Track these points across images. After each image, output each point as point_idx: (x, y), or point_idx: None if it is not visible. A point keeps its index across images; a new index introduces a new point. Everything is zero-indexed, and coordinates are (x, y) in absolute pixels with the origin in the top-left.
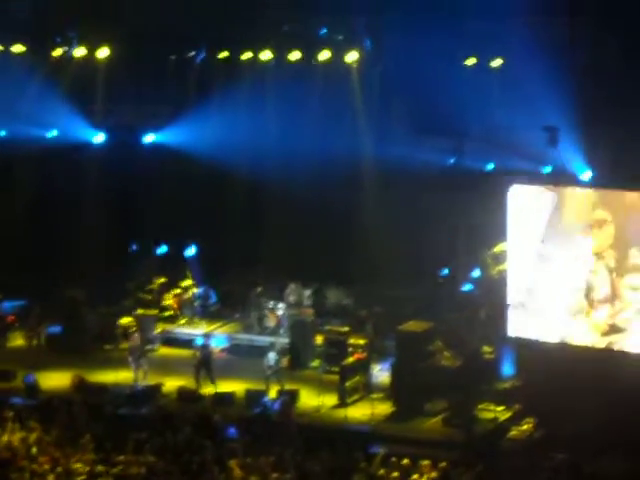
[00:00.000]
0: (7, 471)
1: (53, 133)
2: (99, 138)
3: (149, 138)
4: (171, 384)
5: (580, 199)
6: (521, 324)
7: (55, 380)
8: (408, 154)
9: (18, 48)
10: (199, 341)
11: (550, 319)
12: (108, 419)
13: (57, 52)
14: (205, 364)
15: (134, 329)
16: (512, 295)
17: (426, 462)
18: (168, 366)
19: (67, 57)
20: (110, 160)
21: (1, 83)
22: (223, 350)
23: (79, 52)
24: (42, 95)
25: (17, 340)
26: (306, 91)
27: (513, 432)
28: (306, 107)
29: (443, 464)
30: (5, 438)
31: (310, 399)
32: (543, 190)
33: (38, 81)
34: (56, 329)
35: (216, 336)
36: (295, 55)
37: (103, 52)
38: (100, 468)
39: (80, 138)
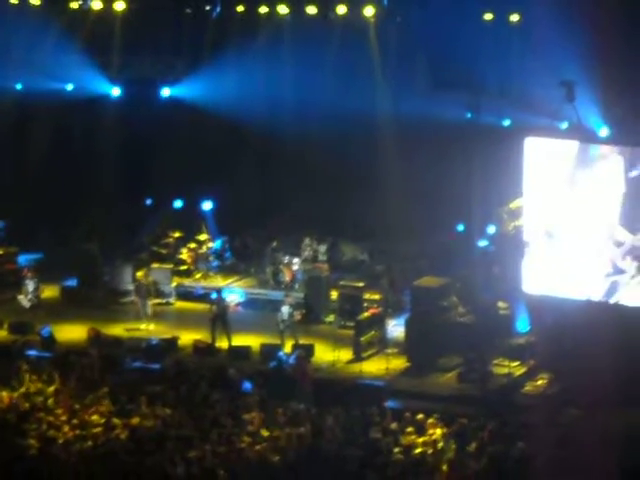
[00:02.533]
0: (24, 422)
1: (69, 86)
2: (115, 91)
3: (165, 92)
4: (186, 338)
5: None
6: (535, 280)
7: (71, 333)
8: (425, 109)
9: (35, 0)
10: (214, 295)
11: (566, 274)
12: (124, 372)
13: (73, 5)
14: (221, 318)
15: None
16: (527, 250)
17: (439, 417)
18: (183, 320)
19: (83, 10)
20: (126, 114)
21: (17, 36)
22: (238, 304)
23: (96, 5)
24: (58, 48)
25: None
26: (323, 45)
27: (527, 387)
28: (323, 61)
29: (460, 420)
30: (22, 390)
31: (325, 354)
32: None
33: (54, 34)
34: (72, 282)
35: (231, 290)
36: (312, 9)
37: (119, 5)
38: (116, 421)
39: (97, 91)
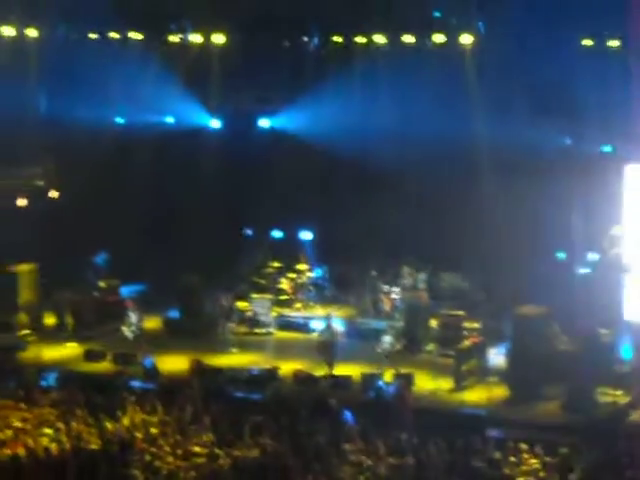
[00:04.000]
0: (127, 453)
1: (170, 119)
2: (215, 123)
3: (264, 123)
4: (287, 368)
5: None
6: (638, 307)
7: (173, 363)
8: (524, 136)
9: (134, 35)
10: (325, 323)
11: None
12: (225, 402)
13: (173, 38)
14: (330, 346)
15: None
16: (631, 276)
17: (542, 446)
18: (284, 350)
19: (183, 44)
20: (226, 145)
21: (118, 71)
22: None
23: (194, 38)
24: (158, 82)
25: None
26: (420, 75)
27: (633, 416)
28: (420, 91)
29: (562, 449)
30: (126, 421)
31: (425, 383)
32: None
33: (154, 68)
34: (174, 313)
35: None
36: (408, 38)
37: (218, 38)
38: (218, 451)
39: (196, 124)
